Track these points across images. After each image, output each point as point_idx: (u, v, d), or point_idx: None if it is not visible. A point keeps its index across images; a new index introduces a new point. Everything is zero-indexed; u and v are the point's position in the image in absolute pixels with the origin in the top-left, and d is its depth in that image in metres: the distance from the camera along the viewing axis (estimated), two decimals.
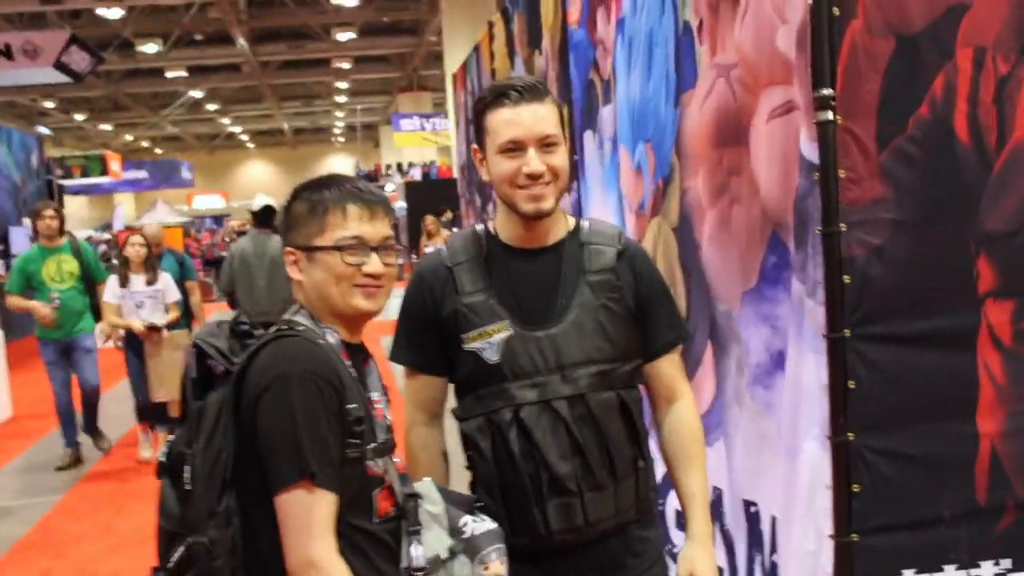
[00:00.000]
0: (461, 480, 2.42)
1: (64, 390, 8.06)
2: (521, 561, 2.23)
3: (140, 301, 7.79)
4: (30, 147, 20.15)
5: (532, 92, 2.26)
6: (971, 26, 2.57)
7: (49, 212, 8.17)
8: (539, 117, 2.25)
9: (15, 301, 8.00)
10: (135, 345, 7.87)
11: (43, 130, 27.07)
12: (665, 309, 2.44)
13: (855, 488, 2.61)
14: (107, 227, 31.10)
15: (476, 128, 2.36)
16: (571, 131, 5.17)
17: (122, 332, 7.88)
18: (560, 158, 2.28)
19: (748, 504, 3.22)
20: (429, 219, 14.51)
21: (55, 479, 7.90)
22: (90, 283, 8.19)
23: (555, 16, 5.41)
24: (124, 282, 7.80)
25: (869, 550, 2.62)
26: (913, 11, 2.57)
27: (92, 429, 8.42)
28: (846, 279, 2.58)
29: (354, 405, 1.93)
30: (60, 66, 16.35)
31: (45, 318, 7.74)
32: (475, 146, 2.39)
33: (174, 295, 7.99)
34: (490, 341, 2.29)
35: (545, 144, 2.25)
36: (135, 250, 7.81)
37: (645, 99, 3.98)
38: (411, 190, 23.26)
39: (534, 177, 2.24)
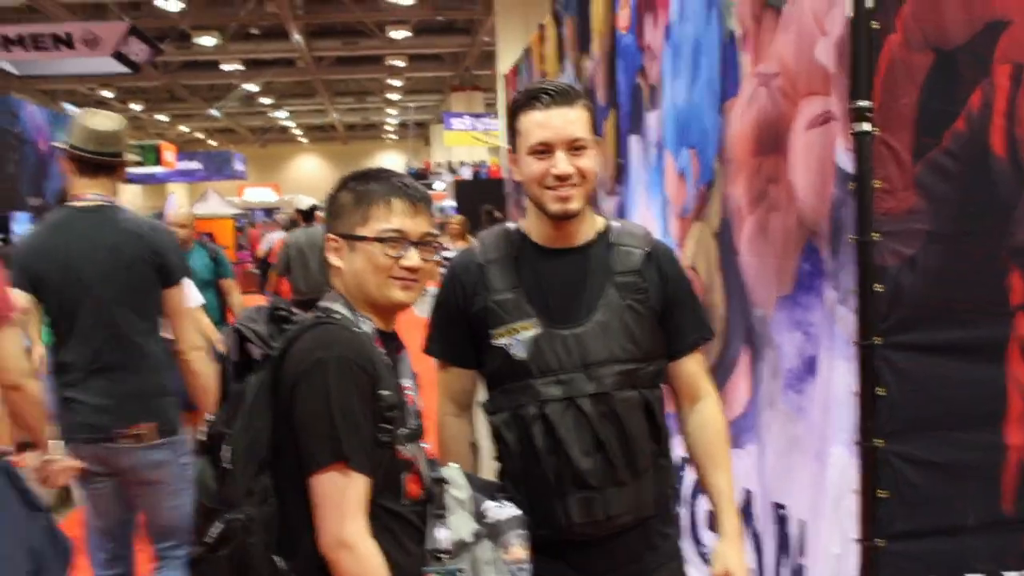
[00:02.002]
0: (492, 470, 2.48)
1: None
2: (543, 552, 2.29)
3: None
4: None
5: (563, 96, 2.32)
6: (1010, 43, 2.59)
7: None
8: (569, 120, 2.30)
9: None
10: None
11: (71, 108, 27.06)
12: (690, 309, 2.49)
13: (882, 494, 2.63)
14: (159, 216, 31.38)
15: (509, 129, 2.42)
16: (617, 135, 5.21)
17: None
18: (588, 161, 2.33)
19: (777, 507, 3.25)
20: (454, 219, 12.83)
21: None
22: None
23: (605, 21, 5.44)
24: None
25: (894, 555, 2.65)
26: (952, 27, 2.59)
27: None
28: (878, 288, 2.60)
29: (387, 391, 2.00)
30: (119, 56, 16.57)
31: None
32: (508, 147, 2.45)
33: (194, 300, 5.71)
34: (518, 338, 2.34)
35: (574, 147, 2.31)
36: None
37: (690, 105, 4.01)
38: (461, 189, 23.36)
39: (562, 179, 2.30)
